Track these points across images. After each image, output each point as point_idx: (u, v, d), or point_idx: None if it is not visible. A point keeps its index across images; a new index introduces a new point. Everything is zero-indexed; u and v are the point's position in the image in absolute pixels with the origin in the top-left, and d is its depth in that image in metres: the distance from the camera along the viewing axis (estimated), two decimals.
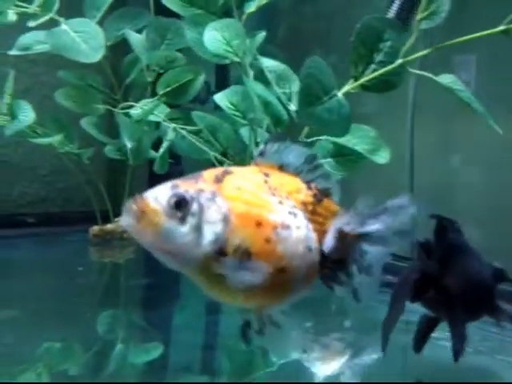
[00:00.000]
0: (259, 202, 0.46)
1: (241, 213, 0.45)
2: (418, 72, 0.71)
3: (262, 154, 0.50)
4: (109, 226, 1.25)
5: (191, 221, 0.44)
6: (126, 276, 1.13)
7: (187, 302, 0.96)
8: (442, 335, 0.71)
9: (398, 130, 1.07)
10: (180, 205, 0.44)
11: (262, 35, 0.95)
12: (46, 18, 1.03)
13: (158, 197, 0.44)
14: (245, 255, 0.45)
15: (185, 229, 0.44)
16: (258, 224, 0.45)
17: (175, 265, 0.46)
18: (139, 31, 1.17)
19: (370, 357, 0.68)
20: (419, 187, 1.04)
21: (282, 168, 0.49)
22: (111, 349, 0.72)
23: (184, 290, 1.02)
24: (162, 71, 1.15)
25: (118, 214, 1.33)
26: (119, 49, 1.19)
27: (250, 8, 0.98)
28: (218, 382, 0.60)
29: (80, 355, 0.71)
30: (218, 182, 0.46)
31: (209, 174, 0.47)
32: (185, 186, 0.45)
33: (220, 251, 0.44)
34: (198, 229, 0.44)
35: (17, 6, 1.03)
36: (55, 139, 1.12)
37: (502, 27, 0.66)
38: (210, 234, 0.44)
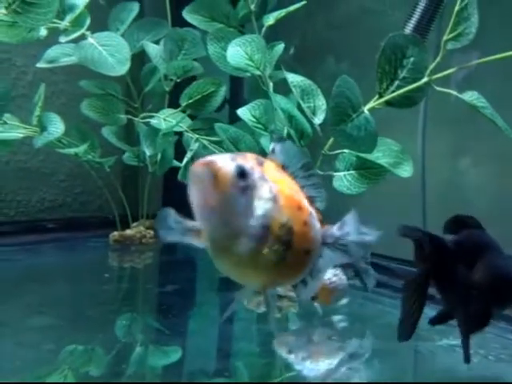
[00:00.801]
0: (297, 189, 0.52)
1: (287, 195, 0.50)
2: (442, 89, 0.73)
3: (273, 151, 0.53)
4: (128, 232, 1.28)
5: (249, 193, 0.48)
6: (146, 281, 1.16)
7: (205, 306, 0.98)
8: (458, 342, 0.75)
9: (409, 139, 1.09)
10: (243, 176, 0.47)
11: (280, 47, 0.97)
12: (78, 34, 1.05)
13: (227, 164, 0.47)
14: (288, 233, 0.49)
15: (243, 199, 0.47)
16: (299, 208, 0.51)
17: (218, 232, 0.48)
18: (157, 41, 1.20)
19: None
20: (431, 197, 1.06)
21: (283, 168, 0.53)
22: (132, 351, 0.75)
23: (203, 293, 1.05)
24: (179, 80, 1.19)
25: (135, 218, 1.37)
26: (137, 58, 1.21)
27: (269, 21, 1.01)
28: (219, 382, 0.61)
29: (103, 357, 0.73)
30: (260, 164, 0.50)
31: (250, 155, 0.51)
32: (241, 160, 0.48)
33: (266, 226, 0.48)
34: (251, 202, 0.48)
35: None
36: (80, 149, 1.15)
37: None
38: (260, 209, 0.48)
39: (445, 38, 0.70)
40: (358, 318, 0.91)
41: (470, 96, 0.71)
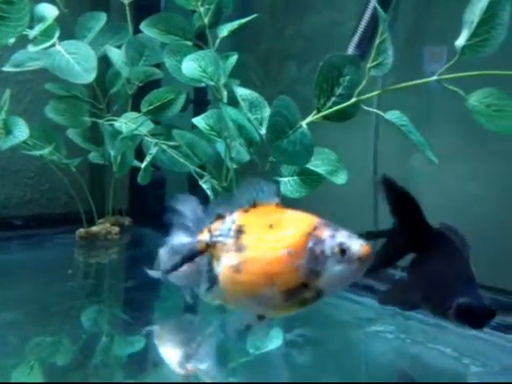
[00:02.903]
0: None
1: None
2: (369, 109, 0.82)
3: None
4: (94, 228, 1.33)
5: None
6: (110, 276, 1.22)
7: (167, 301, 1.05)
8: (387, 328, 0.85)
9: (362, 149, 1.18)
10: None
11: (233, 58, 1.04)
12: (46, 45, 1.09)
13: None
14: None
15: None
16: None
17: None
18: (120, 46, 1.25)
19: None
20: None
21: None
22: (98, 342, 0.81)
23: (164, 288, 1.12)
24: (141, 85, 1.25)
25: (101, 215, 1.42)
26: (103, 60, 1.25)
27: (223, 33, 1.07)
28: (219, 382, 0.67)
29: (69, 348, 0.79)
30: None
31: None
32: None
33: None
34: None
35: None
36: (45, 151, 1.20)
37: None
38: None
39: (368, 65, 0.79)
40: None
41: (392, 115, 0.80)
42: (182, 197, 0.60)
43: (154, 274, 0.85)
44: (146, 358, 0.79)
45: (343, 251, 0.51)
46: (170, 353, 0.80)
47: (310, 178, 0.96)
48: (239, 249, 0.54)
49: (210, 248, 0.56)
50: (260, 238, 0.53)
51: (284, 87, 1.41)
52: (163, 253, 0.81)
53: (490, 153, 0.95)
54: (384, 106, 0.91)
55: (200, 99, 1.41)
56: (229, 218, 0.55)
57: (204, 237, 0.57)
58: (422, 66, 0.92)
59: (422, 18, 1.11)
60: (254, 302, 0.53)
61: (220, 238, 0.55)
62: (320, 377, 0.71)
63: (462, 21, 0.70)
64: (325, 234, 0.52)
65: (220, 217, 0.57)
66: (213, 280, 0.56)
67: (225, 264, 0.54)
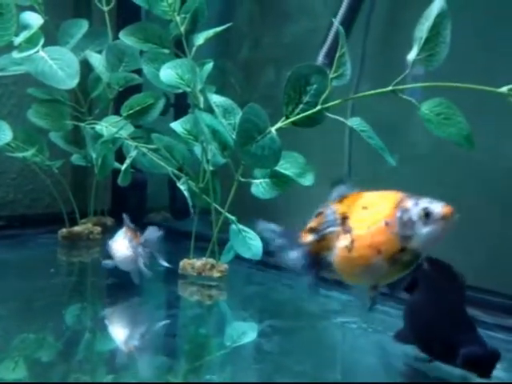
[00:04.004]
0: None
1: None
2: (332, 116, 0.88)
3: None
4: (76, 228, 1.37)
5: None
6: (92, 274, 1.26)
7: (149, 297, 1.10)
8: (351, 319, 0.92)
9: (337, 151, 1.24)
10: None
11: (209, 65, 1.10)
12: (31, 52, 1.12)
13: None
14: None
15: None
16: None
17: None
18: (101, 51, 1.29)
19: None
20: None
21: None
22: (81, 338, 0.84)
23: (146, 286, 1.17)
24: (121, 89, 1.29)
25: (84, 215, 1.46)
26: (85, 64, 1.29)
27: (199, 41, 1.12)
28: (219, 382, 0.70)
29: (52, 344, 0.82)
30: None
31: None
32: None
33: None
34: None
35: None
36: (28, 154, 1.24)
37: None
38: None
39: (330, 76, 0.85)
40: (272, 302, 1.07)
41: (354, 121, 0.86)
42: (260, 225, 0.71)
43: (107, 263, 1.03)
44: (126, 353, 0.82)
45: (427, 214, 0.59)
46: (154, 348, 0.85)
47: (280, 180, 1.02)
48: (347, 231, 0.63)
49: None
50: (360, 218, 0.63)
51: (263, 92, 1.47)
52: (111, 244, 1.01)
53: (454, 156, 1.01)
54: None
55: (180, 103, 1.46)
56: (329, 211, 0.65)
57: (309, 238, 0.67)
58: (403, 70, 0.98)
59: (400, 23, 1.18)
60: (367, 274, 0.62)
61: (328, 230, 0.65)
62: (286, 362, 0.77)
63: (413, 37, 0.77)
64: (409, 203, 0.60)
65: (318, 214, 0.67)
66: (325, 266, 0.65)
67: (338, 247, 0.63)
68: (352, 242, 0.62)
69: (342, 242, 0.63)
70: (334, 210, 0.65)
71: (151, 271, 1.03)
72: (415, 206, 0.60)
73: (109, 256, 1.05)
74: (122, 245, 1.02)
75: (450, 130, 0.78)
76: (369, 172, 1.18)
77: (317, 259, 0.66)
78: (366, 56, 1.20)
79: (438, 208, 0.59)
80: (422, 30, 0.74)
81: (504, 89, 0.73)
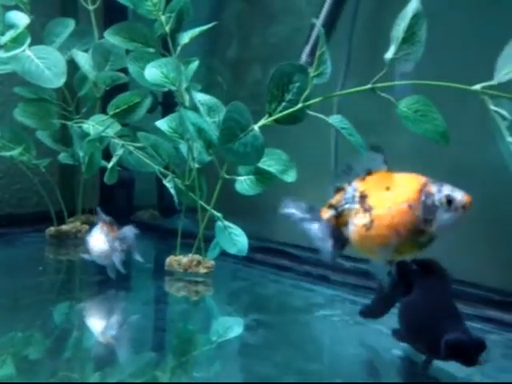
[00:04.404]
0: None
1: None
2: (314, 114, 0.90)
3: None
4: (64, 227, 1.38)
5: None
6: (79, 272, 1.27)
7: (136, 293, 1.11)
8: (334, 312, 0.95)
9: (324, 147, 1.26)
10: None
11: (194, 64, 1.11)
12: (17, 51, 1.12)
13: None
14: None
15: None
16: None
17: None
18: (87, 50, 1.30)
19: None
20: None
21: None
22: (70, 335, 0.86)
23: (133, 283, 1.18)
24: (108, 88, 1.30)
25: (72, 214, 1.46)
26: (72, 63, 1.30)
27: (184, 40, 1.13)
28: (218, 382, 0.71)
29: (41, 342, 0.83)
30: None
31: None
32: None
33: None
34: None
35: None
36: (15, 152, 1.24)
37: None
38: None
39: (311, 74, 0.87)
40: (258, 297, 1.09)
41: (334, 119, 0.88)
42: (285, 201, 0.73)
43: (85, 257, 1.07)
44: (114, 349, 0.84)
45: (450, 202, 0.62)
46: (142, 343, 0.86)
47: (263, 177, 1.04)
48: (366, 210, 0.65)
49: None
50: (382, 198, 0.65)
51: (250, 90, 1.49)
52: (88, 239, 1.06)
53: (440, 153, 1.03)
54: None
55: (168, 101, 1.47)
56: (350, 188, 0.67)
57: (329, 213, 0.69)
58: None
59: (385, 22, 1.19)
60: (384, 251, 0.65)
61: (346, 206, 0.67)
62: (269, 354, 0.79)
63: (391, 37, 0.79)
64: (433, 188, 0.63)
65: (339, 189, 0.69)
66: (344, 241, 0.68)
67: (356, 224, 0.66)
68: (372, 221, 0.64)
69: (361, 220, 0.65)
70: (354, 187, 0.67)
71: (136, 268, 1.05)
72: (439, 192, 0.62)
73: (87, 250, 1.07)
74: (98, 239, 1.05)
75: (426, 127, 0.80)
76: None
77: (336, 234, 0.69)
78: (352, 54, 1.22)
79: (460, 196, 0.61)
80: (399, 30, 0.76)
81: (477, 86, 0.76)
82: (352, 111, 1.08)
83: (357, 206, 0.66)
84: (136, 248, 1.05)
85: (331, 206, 0.70)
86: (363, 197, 0.66)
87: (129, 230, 1.04)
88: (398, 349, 0.77)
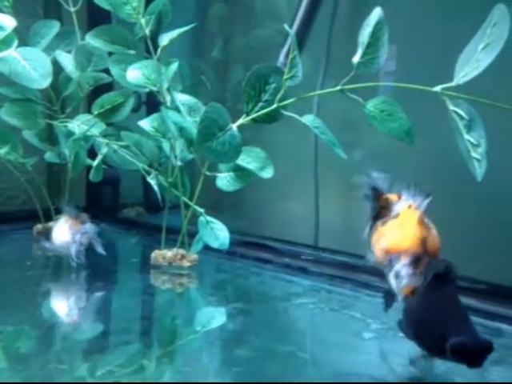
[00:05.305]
0: None
1: None
2: (288, 114, 0.96)
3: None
4: (52, 224, 1.41)
5: None
6: (67, 266, 1.31)
7: (123, 286, 1.16)
8: (311, 300, 1.00)
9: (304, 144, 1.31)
10: None
11: (174, 65, 1.14)
12: (4, 53, 1.15)
13: None
14: None
15: None
16: None
17: None
18: (71, 50, 1.32)
19: None
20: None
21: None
22: (59, 328, 0.89)
23: (120, 276, 1.23)
24: (92, 88, 1.33)
25: (59, 211, 1.49)
26: (57, 63, 1.32)
27: (164, 42, 1.16)
28: (217, 382, 0.71)
29: (31, 336, 0.85)
30: None
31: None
32: None
33: None
34: None
35: None
36: (2, 151, 1.27)
37: None
38: None
39: (284, 77, 0.92)
40: (239, 288, 1.14)
41: (307, 118, 0.94)
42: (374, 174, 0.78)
43: (46, 244, 1.16)
44: (101, 340, 0.87)
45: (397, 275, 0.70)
46: (129, 333, 0.89)
47: (242, 174, 1.09)
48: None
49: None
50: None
51: (233, 90, 1.54)
52: (53, 229, 1.16)
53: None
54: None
55: (152, 101, 1.51)
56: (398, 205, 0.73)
57: (377, 202, 0.75)
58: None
59: (364, 20, 1.24)
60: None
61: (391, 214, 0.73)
62: (247, 338, 0.84)
63: (358, 41, 0.84)
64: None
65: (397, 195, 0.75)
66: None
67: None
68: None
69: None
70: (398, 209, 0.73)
71: (122, 262, 1.08)
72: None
73: (49, 239, 1.16)
74: (61, 231, 1.14)
75: (392, 126, 0.85)
76: (336, 166, 1.25)
77: (377, 211, 0.74)
78: (331, 54, 1.27)
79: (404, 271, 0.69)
80: (364, 35, 0.81)
81: (438, 88, 0.81)
82: (331, 110, 1.14)
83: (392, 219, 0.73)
84: (98, 242, 1.12)
85: (385, 200, 0.74)
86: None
87: (89, 227, 1.13)
88: (368, 332, 0.83)
